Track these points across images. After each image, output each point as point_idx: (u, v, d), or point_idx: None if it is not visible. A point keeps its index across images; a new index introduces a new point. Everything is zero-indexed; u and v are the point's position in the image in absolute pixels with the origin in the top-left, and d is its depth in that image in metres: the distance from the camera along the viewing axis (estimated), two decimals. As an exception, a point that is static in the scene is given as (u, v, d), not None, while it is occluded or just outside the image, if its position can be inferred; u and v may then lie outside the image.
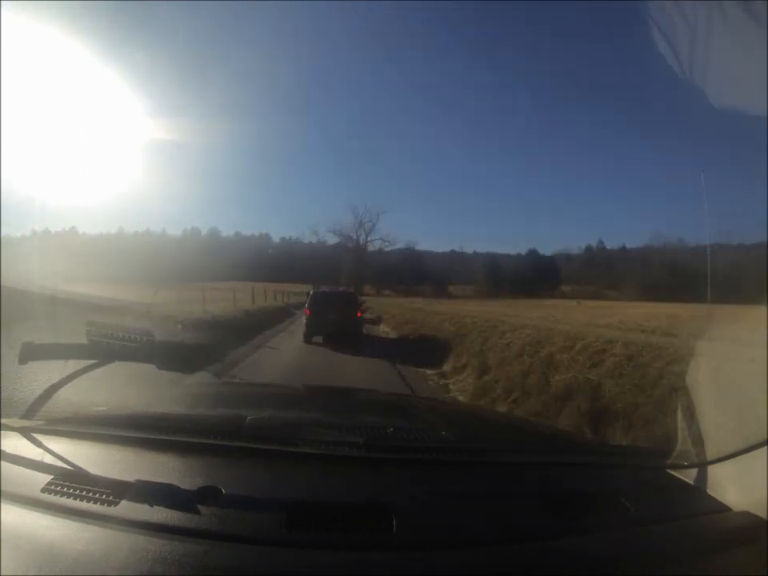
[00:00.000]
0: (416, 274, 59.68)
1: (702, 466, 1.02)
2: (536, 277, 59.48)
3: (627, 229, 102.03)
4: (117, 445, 1.06)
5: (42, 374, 1.37)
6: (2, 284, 6.88)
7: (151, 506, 0.82)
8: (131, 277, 19.78)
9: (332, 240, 57.77)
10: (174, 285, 18.99)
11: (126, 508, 0.82)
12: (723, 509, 0.91)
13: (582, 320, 10.43)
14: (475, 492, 0.95)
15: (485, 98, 79.15)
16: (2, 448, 1.00)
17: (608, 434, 3.45)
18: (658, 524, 0.86)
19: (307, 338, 9.83)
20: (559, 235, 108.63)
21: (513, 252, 71.12)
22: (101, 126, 28.44)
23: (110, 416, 1.30)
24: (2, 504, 0.83)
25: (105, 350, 1.33)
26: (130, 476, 0.90)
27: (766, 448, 0.88)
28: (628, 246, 61.85)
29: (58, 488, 0.89)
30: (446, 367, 7.22)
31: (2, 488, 0.87)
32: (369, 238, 54.70)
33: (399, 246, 58.07)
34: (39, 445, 1.03)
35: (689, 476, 1.04)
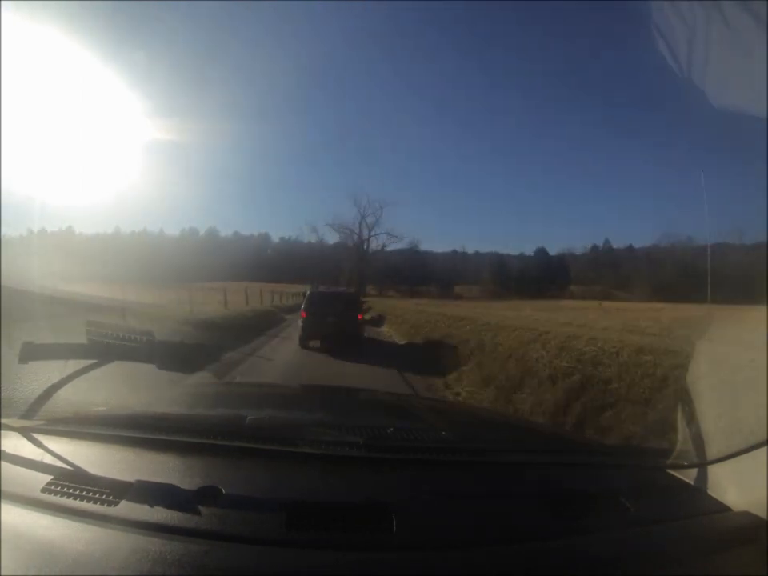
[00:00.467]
0: (419, 274, 58.95)
1: (702, 465, 1.02)
2: (543, 276, 58.88)
3: (634, 228, 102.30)
4: (117, 445, 1.06)
5: (42, 374, 1.37)
6: (1, 284, 6.87)
7: (151, 506, 0.82)
8: (128, 277, 19.67)
9: (332, 239, 56.99)
10: (172, 285, 18.87)
11: (126, 508, 0.82)
12: (723, 509, 0.91)
13: (628, 325, 8.23)
14: (475, 492, 0.95)
15: (479, 98, 79.55)
16: (2, 448, 1.00)
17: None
18: (658, 524, 0.86)
19: (303, 343, 9.06)
20: (562, 235, 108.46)
21: (515, 252, 71.06)
22: (99, 126, 28.67)
23: (109, 416, 1.30)
24: (2, 504, 0.83)
25: (104, 349, 1.34)
26: (129, 476, 0.90)
27: (765, 448, 0.87)
28: (635, 245, 61.66)
29: (58, 488, 0.89)
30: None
31: (2, 488, 0.87)
32: (372, 233, 51.98)
33: (404, 242, 56.04)
34: (39, 445, 1.03)
35: (689, 476, 1.04)
